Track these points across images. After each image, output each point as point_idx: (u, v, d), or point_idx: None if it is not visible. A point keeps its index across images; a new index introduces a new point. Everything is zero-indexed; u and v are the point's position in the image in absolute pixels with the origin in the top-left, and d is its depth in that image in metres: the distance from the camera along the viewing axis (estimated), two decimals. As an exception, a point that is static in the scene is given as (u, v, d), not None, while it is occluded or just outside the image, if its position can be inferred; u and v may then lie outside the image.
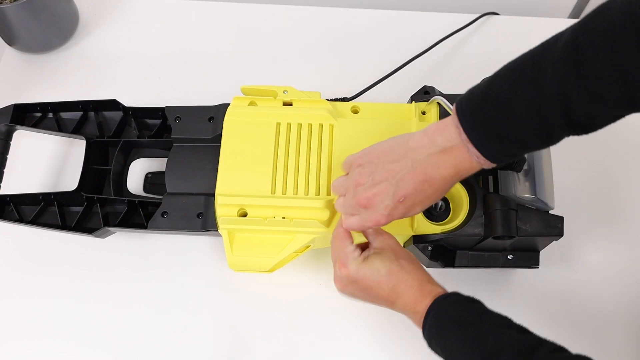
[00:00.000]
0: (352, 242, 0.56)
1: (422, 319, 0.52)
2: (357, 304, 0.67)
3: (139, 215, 0.70)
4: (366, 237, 0.57)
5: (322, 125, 0.66)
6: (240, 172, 0.65)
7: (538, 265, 0.65)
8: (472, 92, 0.49)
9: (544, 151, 0.61)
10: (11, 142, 0.72)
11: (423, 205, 0.53)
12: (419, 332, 0.66)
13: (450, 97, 0.64)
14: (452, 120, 0.49)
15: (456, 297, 0.52)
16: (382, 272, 0.53)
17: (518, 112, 0.45)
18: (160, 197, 0.69)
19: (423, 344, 0.66)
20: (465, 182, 0.62)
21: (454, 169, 0.50)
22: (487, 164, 0.49)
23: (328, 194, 0.63)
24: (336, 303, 0.69)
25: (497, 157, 0.48)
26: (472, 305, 0.51)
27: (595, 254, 0.72)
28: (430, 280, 0.54)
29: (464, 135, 0.48)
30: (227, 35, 0.87)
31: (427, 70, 0.83)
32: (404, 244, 0.66)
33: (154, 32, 0.88)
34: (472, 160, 0.49)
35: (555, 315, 0.69)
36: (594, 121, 0.45)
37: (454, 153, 0.49)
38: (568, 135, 0.46)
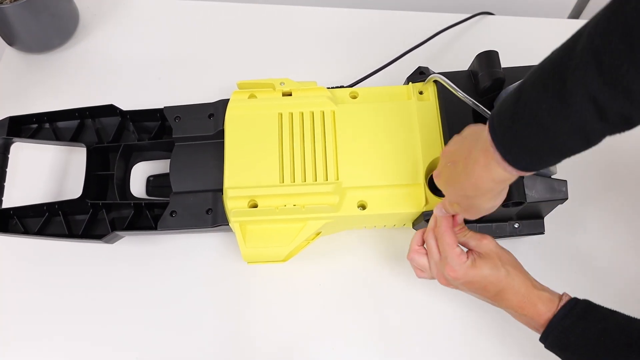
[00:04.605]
0: (457, 244, 0.57)
1: (540, 330, 0.54)
2: (355, 305, 0.70)
3: (145, 217, 0.70)
4: (466, 243, 0.59)
5: (323, 112, 0.67)
6: (246, 164, 0.65)
7: (543, 231, 0.67)
8: (501, 109, 0.46)
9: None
10: (9, 155, 0.71)
11: (453, 187, 0.54)
12: (415, 332, 0.69)
13: (447, 75, 0.65)
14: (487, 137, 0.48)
15: (575, 311, 0.53)
16: (490, 278, 0.56)
17: (549, 127, 0.43)
18: (165, 199, 0.69)
19: (420, 342, 0.68)
20: (469, 156, 0.64)
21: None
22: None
23: (336, 178, 0.64)
24: (335, 303, 0.70)
25: (530, 168, 0.47)
26: (589, 323, 0.52)
27: (598, 219, 0.74)
28: (535, 284, 0.56)
29: (498, 156, 0.47)
30: (226, 35, 0.87)
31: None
32: (414, 220, 0.67)
33: (154, 31, 0.88)
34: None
35: (563, 281, 0.71)
36: (631, 121, 0.41)
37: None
38: (610, 134, 0.43)
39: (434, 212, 0.60)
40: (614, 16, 0.38)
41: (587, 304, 0.53)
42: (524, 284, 0.56)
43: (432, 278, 0.61)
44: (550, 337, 0.53)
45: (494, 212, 0.63)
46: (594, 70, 0.39)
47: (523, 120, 0.44)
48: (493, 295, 0.57)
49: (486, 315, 0.69)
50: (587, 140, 0.43)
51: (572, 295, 0.55)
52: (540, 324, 0.54)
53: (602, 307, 0.53)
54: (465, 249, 0.58)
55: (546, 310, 0.54)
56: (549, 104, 0.42)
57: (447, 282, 0.59)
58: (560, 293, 0.56)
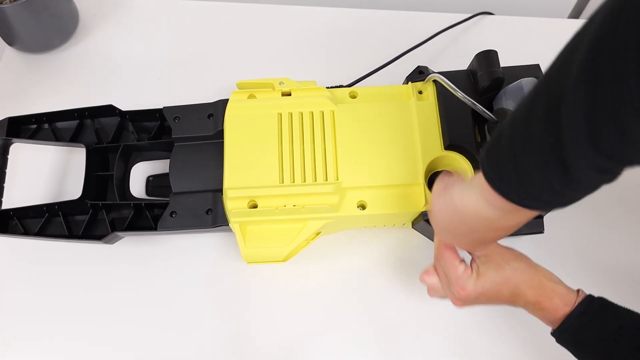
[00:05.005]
0: (460, 260, 0.55)
1: (555, 324, 0.53)
2: (353, 304, 0.70)
3: (145, 218, 0.70)
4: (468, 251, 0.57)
5: (323, 112, 0.67)
6: (246, 164, 0.65)
7: (543, 230, 0.67)
8: (504, 174, 0.44)
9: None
10: (8, 156, 0.71)
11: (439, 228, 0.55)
12: (416, 332, 0.68)
13: (446, 75, 0.65)
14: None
15: (593, 308, 0.52)
16: (498, 280, 0.54)
17: (561, 192, 0.42)
18: (165, 199, 0.69)
19: (420, 342, 0.68)
20: (468, 154, 0.64)
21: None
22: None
23: (336, 178, 0.64)
24: (335, 302, 0.70)
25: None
26: (606, 321, 0.51)
27: (598, 218, 0.74)
28: (547, 276, 0.55)
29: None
30: (225, 34, 0.87)
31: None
32: (414, 220, 0.67)
33: (154, 31, 0.87)
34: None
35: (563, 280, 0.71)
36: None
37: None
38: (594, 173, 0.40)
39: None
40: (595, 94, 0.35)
41: (603, 302, 0.53)
42: (535, 278, 0.55)
43: (444, 297, 0.59)
44: (566, 333, 0.53)
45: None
46: (590, 149, 0.37)
47: (533, 190, 0.42)
48: (509, 297, 0.55)
49: (487, 314, 0.69)
50: (597, 189, 0.42)
51: None
52: (557, 318, 0.53)
53: (618, 305, 0.52)
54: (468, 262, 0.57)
55: (563, 305, 0.53)
56: (556, 177, 0.40)
57: (462, 301, 0.57)
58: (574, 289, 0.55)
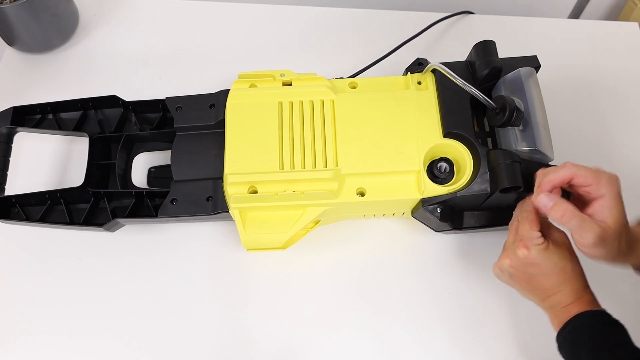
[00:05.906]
0: (539, 228, 0.56)
1: (561, 324, 0.54)
2: (352, 304, 0.70)
3: (147, 207, 0.70)
4: (542, 228, 0.57)
5: (323, 101, 0.68)
6: (247, 151, 0.66)
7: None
8: None
9: (538, 104, 0.63)
10: (12, 145, 0.72)
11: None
12: (411, 332, 0.69)
13: (445, 65, 0.66)
14: None
15: (602, 318, 0.54)
16: (559, 266, 0.55)
17: None
18: (166, 189, 0.69)
19: (415, 340, 0.68)
20: (467, 142, 0.64)
21: None
22: None
23: (336, 165, 0.64)
24: (334, 303, 0.70)
25: None
26: (612, 332, 0.52)
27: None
28: (588, 288, 0.56)
29: None
30: (225, 34, 0.88)
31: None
32: (413, 208, 0.67)
33: (154, 31, 0.89)
34: None
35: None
36: None
37: None
38: None
39: (536, 199, 0.57)
40: None
41: (605, 315, 0.54)
42: (582, 283, 0.56)
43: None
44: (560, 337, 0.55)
45: (494, 200, 0.64)
46: None
47: None
48: (551, 287, 0.55)
49: (497, 313, 0.69)
50: None
51: None
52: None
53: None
54: None
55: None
56: None
57: (512, 261, 0.57)
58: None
